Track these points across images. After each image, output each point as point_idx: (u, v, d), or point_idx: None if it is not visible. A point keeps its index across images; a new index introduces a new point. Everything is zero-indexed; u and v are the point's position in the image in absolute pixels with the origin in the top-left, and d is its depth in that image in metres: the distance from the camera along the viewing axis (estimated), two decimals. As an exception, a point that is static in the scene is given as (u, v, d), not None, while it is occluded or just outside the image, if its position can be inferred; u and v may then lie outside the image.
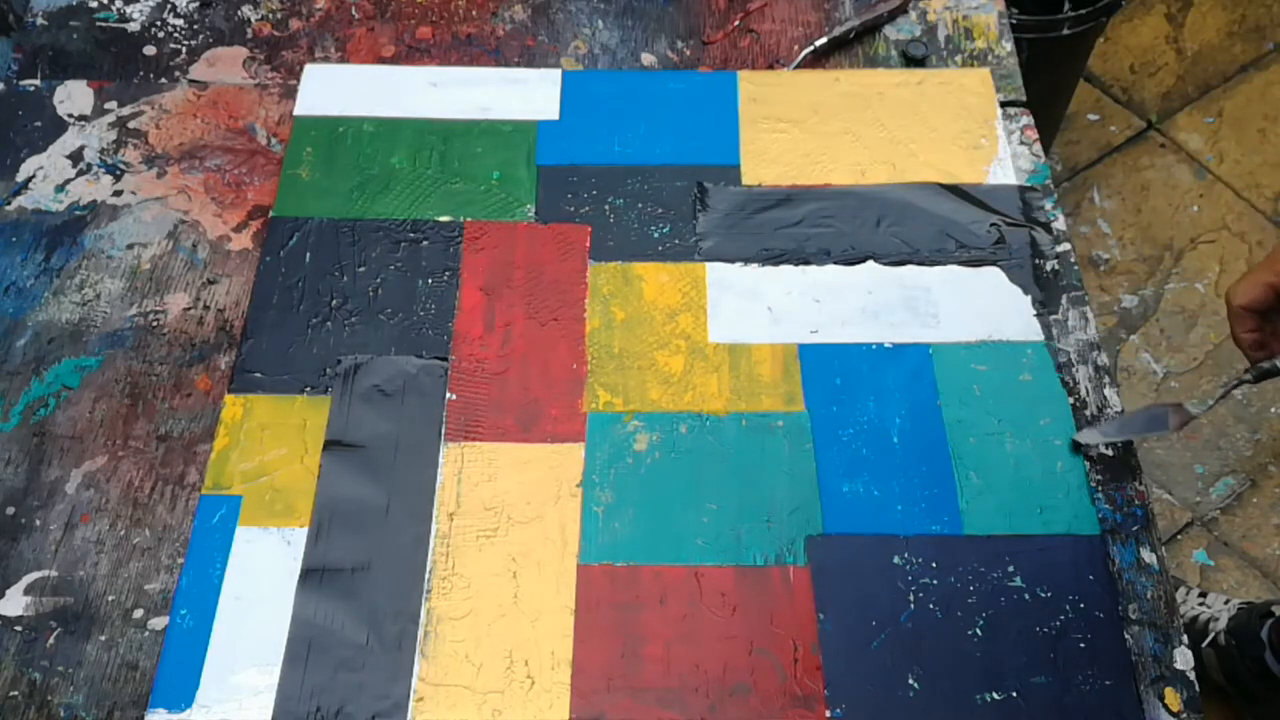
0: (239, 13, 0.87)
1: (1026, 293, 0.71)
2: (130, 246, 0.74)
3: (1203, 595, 1.28)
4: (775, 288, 0.72)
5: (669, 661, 0.58)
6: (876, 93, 0.81)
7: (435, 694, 0.57)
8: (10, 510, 0.64)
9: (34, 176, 0.78)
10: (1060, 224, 0.75)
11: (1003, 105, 0.81)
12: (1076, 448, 0.65)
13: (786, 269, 0.72)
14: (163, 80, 0.83)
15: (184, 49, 0.85)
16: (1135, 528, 0.63)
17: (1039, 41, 1.40)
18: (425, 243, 0.74)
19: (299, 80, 0.82)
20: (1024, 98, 0.82)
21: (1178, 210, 1.69)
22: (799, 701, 0.57)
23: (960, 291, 0.71)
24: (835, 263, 0.73)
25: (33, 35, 0.85)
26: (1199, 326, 1.59)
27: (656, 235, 0.74)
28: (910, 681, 0.58)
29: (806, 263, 0.73)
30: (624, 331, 0.70)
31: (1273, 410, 1.51)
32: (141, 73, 0.84)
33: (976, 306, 0.71)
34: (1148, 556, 0.62)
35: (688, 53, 0.85)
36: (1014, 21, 0.93)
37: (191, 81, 0.83)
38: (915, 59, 0.84)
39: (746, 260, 0.73)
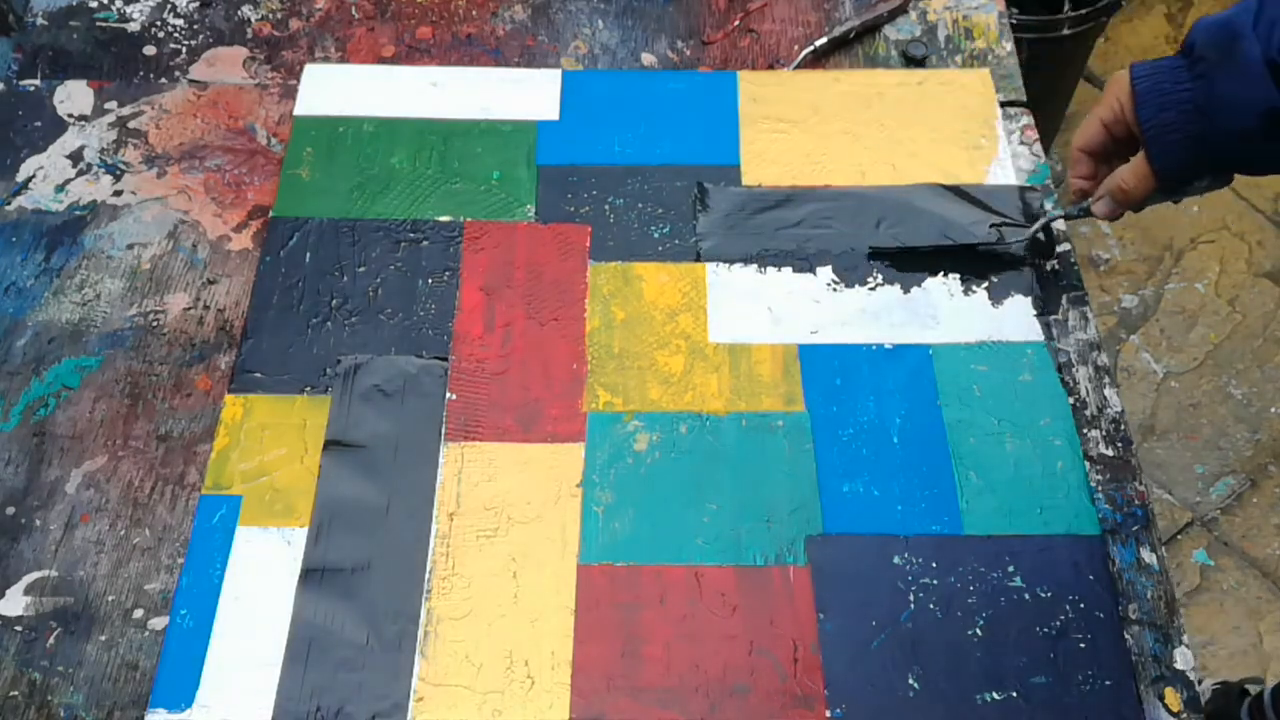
0: (239, 13, 0.87)
1: (1026, 293, 0.71)
2: (130, 246, 0.74)
3: None
4: (775, 288, 0.72)
5: (669, 661, 0.58)
6: (876, 93, 0.81)
7: (435, 694, 0.57)
8: (10, 510, 0.64)
9: (34, 176, 0.78)
10: (1060, 224, 0.75)
11: (1003, 105, 0.81)
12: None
13: (787, 269, 0.72)
14: (163, 80, 0.83)
15: (184, 49, 0.85)
16: (1135, 528, 0.63)
17: (1039, 41, 1.40)
18: (425, 243, 0.74)
19: (299, 80, 0.82)
20: (1024, 98, 0.82)
21: (1178, 210, 1.69)
22: (799, 701, 0.57)
23: (960, 291, 0.71)
24: (835, 263, 0.73)
25: (33, 35, 0.85)
26: (1199, 326, 1.59)
27: (656, 235, 0.74)
28: (910, 681, 0.58)
29: (807, 263, 0.73)
30: (624, 331, 0.70)
31: (1273, 410, 1.51)
32: (141, 73, 0.84)
33: (976, 306, 0.71)
34: (1148, 556, 0.62)
35: (688, 53, 0.85)
36: (1014, 21, 0.93)
37: (191, 81, 0.83)
38: (915, 59, 0.84)
39: (746, 260, 0.73)
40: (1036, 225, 0.73)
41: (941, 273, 0.72)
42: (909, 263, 0.72)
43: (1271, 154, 0.60)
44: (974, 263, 0.73)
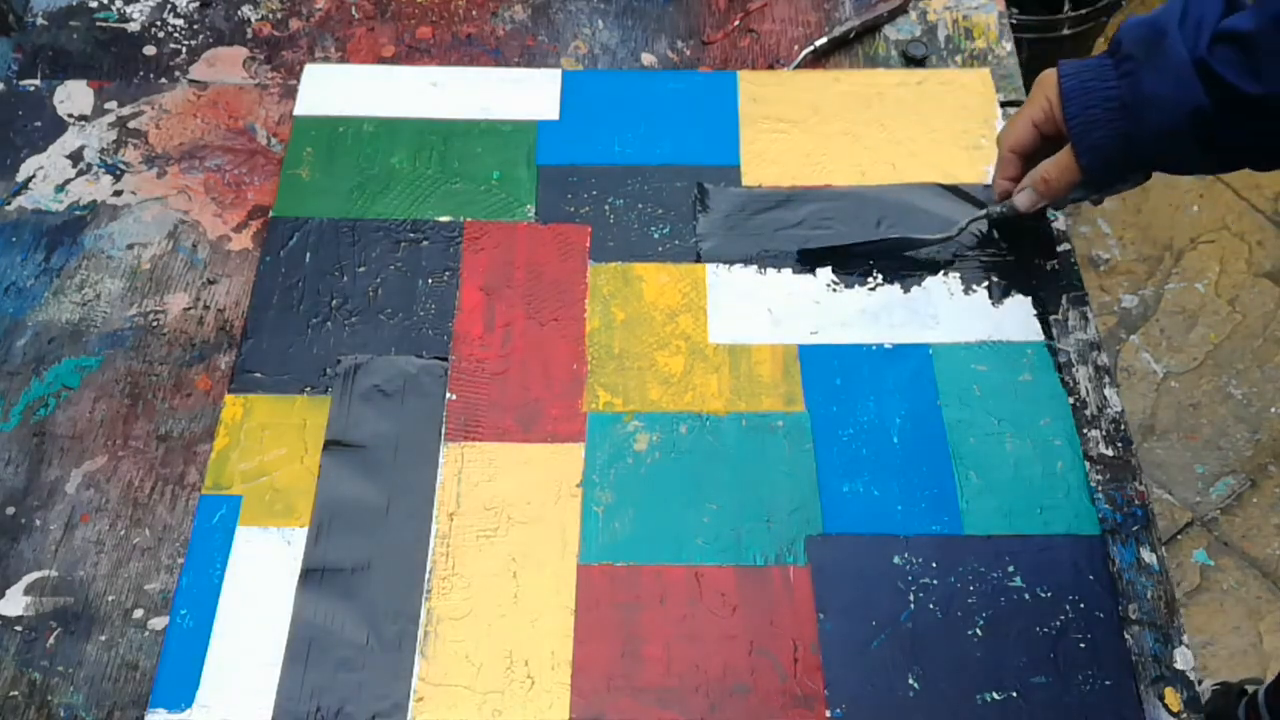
0: (239, 13, 0.87)
1: (1026, 293, 0.71)
2: (130, 246, 0.74)
3: None
4: (775, 288, 0.72)
5: (669, 661, 0.58)
6: (876, 93, 0.81)
7: (435, 694, 0.57)
8: (10, 510, 0.64)
9: (34, 176, 0.78)
10: (1060, 224, 0.75)
11: (1003, 105, 0.81)
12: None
13: (787, 270, 0.72)
14: (163, 80, 0.83)
15: (184, 49, 0.85)
16: (1135, 528, 0.63)
17: (1039, 41, 1.40)
18: (425, 243, 0.74)
19: (299, 80, 0.82)
20: (1024, 98, 0.82)
21: (1178, 210, 1.69)
22: (799, 701, 0.57)
23: (960, 291, 0.71)
24: (835, 263, 0.73)
25: (33, 35, 0.85)
26: (1199, 326, 1.59)
27: (656, 236, 0.74)
28: (910, 681, 0.58)
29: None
30: (624, 332, 0.70)
31: (1273, 410, 1.51)
32: (141, 73, 0.84)
33: (976, 306, 0.71)
34: (1148, 556, 0.62)
35: (688, 53, 0.85)
36: (1014, 21, 0.93)
37: (191, 81, 0.83)
38: (915, 59, 0.84)
39: (746, 261, 0.73)
40: (961, 225, 0.72)
41: (941, 272, 0.72)
42: (840, 261, 0.72)
43: (1198, 153, 0.59)
44: (906, 259, 0.73)
